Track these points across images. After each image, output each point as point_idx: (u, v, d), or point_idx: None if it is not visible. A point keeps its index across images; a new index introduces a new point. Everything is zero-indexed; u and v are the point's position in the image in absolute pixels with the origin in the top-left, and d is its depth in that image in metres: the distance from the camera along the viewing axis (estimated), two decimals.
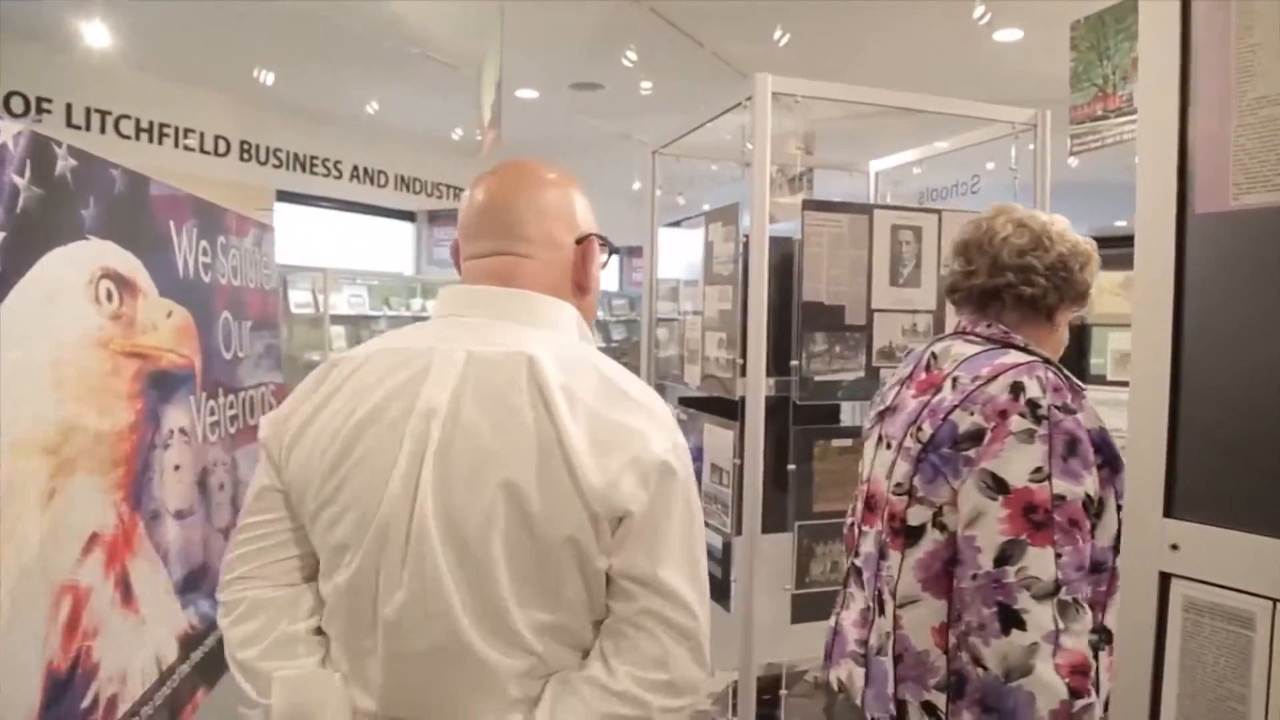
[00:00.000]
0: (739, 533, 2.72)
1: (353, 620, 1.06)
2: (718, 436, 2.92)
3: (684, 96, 5.57)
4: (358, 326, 7.62)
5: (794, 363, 2.75)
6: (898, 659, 1.41)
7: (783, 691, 2.88)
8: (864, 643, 1.51)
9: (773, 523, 2.72)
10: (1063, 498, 1.27)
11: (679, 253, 3.38)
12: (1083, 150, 3.88)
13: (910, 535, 1.41)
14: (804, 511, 2.78)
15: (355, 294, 7.77)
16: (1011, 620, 1.24)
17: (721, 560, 2.85)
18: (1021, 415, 1.31)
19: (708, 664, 1.05)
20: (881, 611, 1.46)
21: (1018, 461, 1.29)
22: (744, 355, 2.69)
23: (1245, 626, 0.86)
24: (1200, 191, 0.93)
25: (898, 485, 1.44)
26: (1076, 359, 4.49)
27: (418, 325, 1.16)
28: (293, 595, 1.13)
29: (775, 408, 2.75)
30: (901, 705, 1.40)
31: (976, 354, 1.46)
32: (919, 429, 1.43)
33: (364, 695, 1.05)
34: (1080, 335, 4.49)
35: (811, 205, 2.78)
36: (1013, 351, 1.44)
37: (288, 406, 1.14)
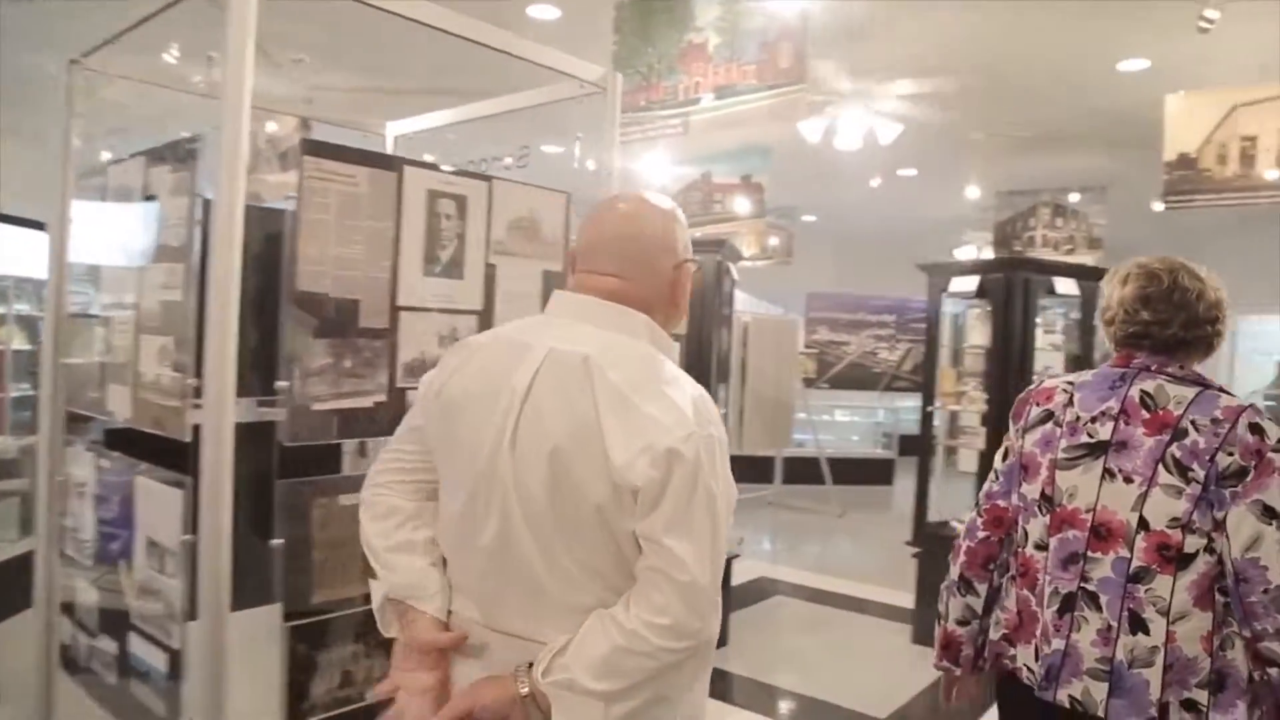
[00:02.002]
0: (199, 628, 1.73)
1: (461, 542, 1.38)
2: (156, 498, 1.89)
3: None
4: None
5: (281, 383, 1.84)
6: (1167, 668, 1.62)
7: None
8: (1108, 659, 1.66)
9: (251, 631, 1.77)
10: None
11: (106, 218, 2.25)
12: (634, 140, 3.52)
13: (1183, 561, 1.62)
14: (299, 604, 1.87)
15: None
16: None
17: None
18: (1275, 452, 1.60)
19: (707, 616, 1.25)
20: (1137, 629, 1.64)
21: (1277, 491, 1.58)
22: (200, 371, 1.71)
23: None
24: None
25: (1173, 519, 1.63)
26: None
27: (532, 319, 1.45)
28: (417, 509, 1.47)
29: (251, 449, 1.81)
30: (1164, 707, 1.61)
31: (1195, 396, 1.68)
32: (1188, 471, 1.63)
33: (468, 603, 1.39)
34: None
35: (315, 149, 1.88)
36: (1220, 394, 1.69)
37: (438, 369, 1.47)
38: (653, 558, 1.24)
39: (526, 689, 1.26)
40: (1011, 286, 4.64)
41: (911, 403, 10.64)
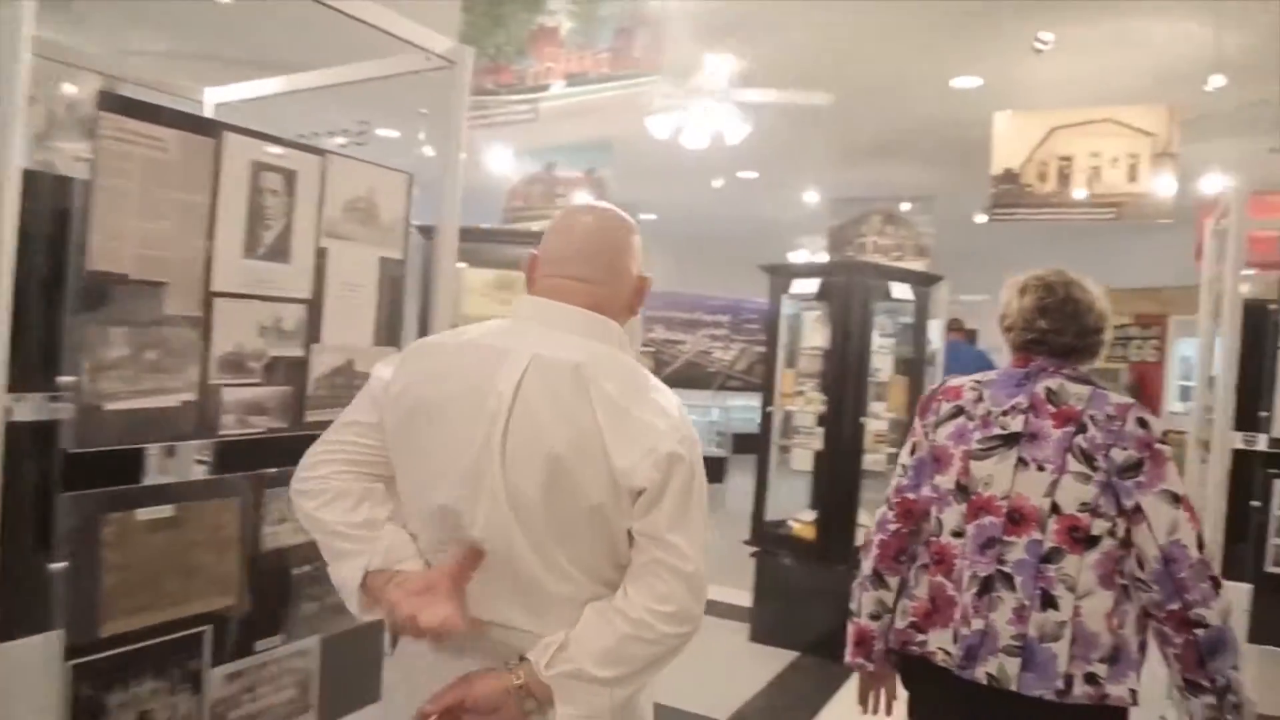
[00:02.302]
0: None
1: (442, 538, 1.37)
2: None
3: None
4: None
5: (67, 378, 1.57)
6: (1074, 642, 1.76)
7: None
8: (1022, 636, 1.78)
9: (26, 670, 1.51)
10: None
11: None
12: (480, 126, 3.33)
13: (1090, 542, 1.78)
14: (83, 637, 1.60)
15: None
16: (1217, 584, 1.73)
17: None
18: (1162, 444, 1.80)
19: (703, 602, 1.35)
20: (1047, 606, 1.78)
21: (1174, 477, 1.78)
22: None
23: None
24: None
25: (1083, 504, 1.79)
26: None
27: (499, 323, 1.44)
28: (366, 490, 1.43)
29: (29, 454, 1.54)
30: (1069, 679, 1.75)
31: (1091, 394, 1.85)
32: (1093, 460, 1.79)
33: None
34: None
35: (115, 104, 1.62)
36: (1109, 393, 1.86)
37: (395, 367, 1.44)
38: (655, 551, 1.32)
39: (520, 681, 1.29)
40: (851, 289, 4.73)
41: (743, 402, 10.87)
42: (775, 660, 4.49)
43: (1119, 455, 1.78)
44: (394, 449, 1.42)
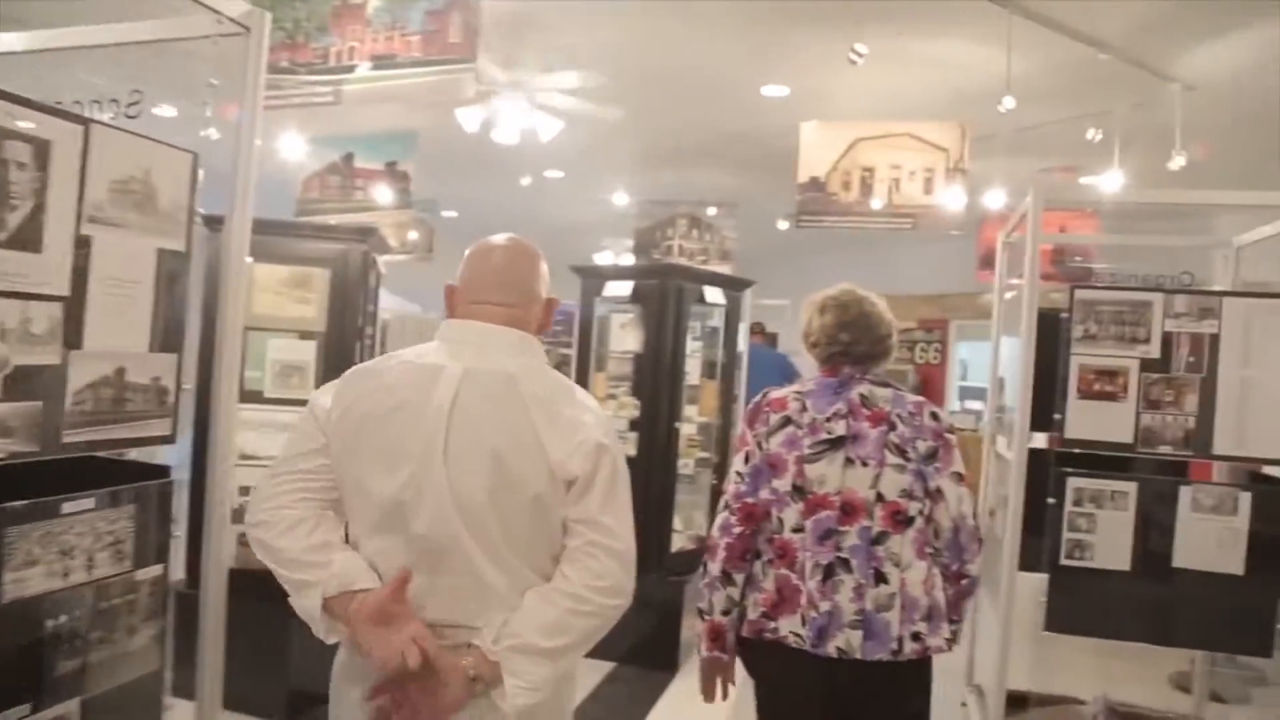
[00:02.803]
0: None
1: (387, 544, 1.50)
2: None
3: None
4: None
5: None
6: (901, 609, 2.07)
7: None
8: (862, 611, 2.06)
9: None
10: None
11: None
12: (276, 107, 2.99)
13: (908, 523, 2.12)
14: None
15: None
16: (980, 544, 2.20)
17: None
18: (950, 433, 2.21)
19: (633, 578, 1.53)
20: (879, 581, 2.08)
21: (959, 460, 2.19)
22: None
23: None
24: None
25: (902, 491, 2.12)
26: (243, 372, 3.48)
27: (428, 346, 1.61)
28: (319, 517, 1.54)
29: None
30: (900, 640, 2.06)
31: (893, 395, 2.21)
32: (905, 452, 2.15)
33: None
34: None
35: None
36: (904, 394, 2.25)
37: (335, 393, 1.59)
38: (590, 534, 1.49)
39: (470, 663, 1.42)
40: (666, 293, 4.68)
41: None
42: (592, 672, 4.36)
43: (922, 446, 2.15)
44: (341, 463, 1.54)
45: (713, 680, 2.23)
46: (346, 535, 1.57)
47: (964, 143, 5.28)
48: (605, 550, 1.49)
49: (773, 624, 2.11)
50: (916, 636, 2.08)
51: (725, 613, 2.16)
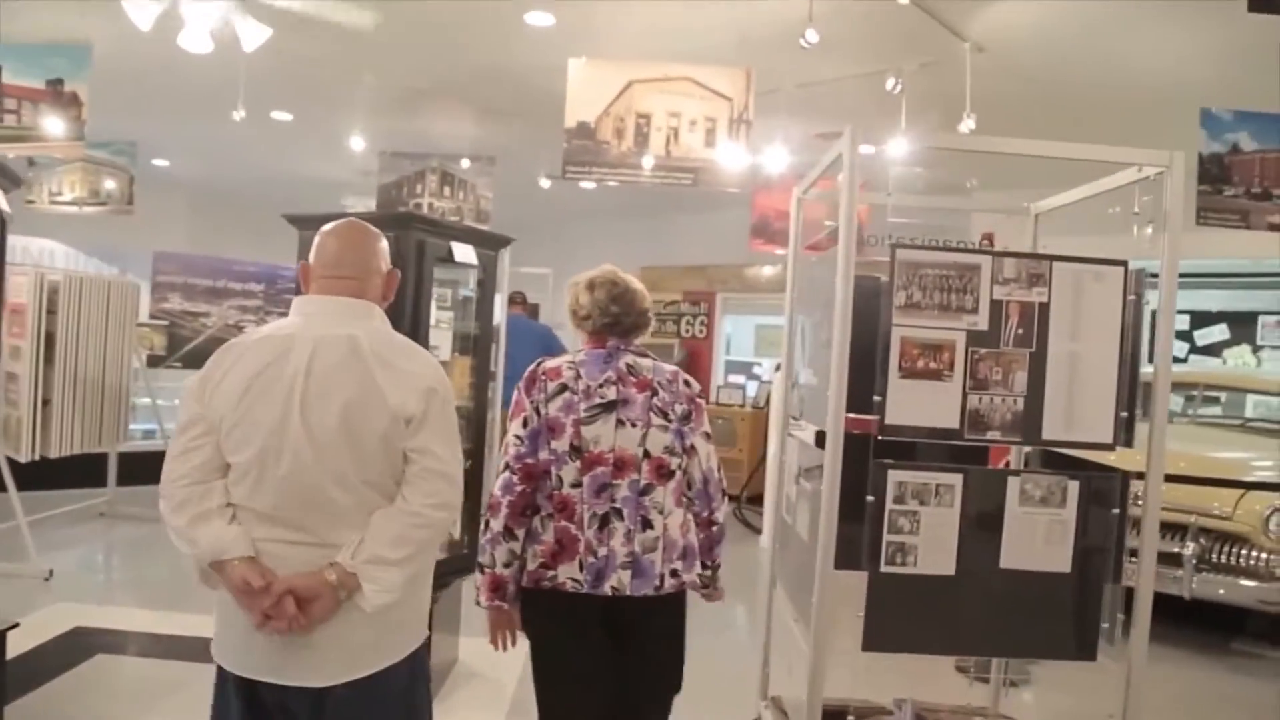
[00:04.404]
0: None
1: (258, 483, 1.86)
2: None
3: None
4: None
5: None
6: (664, 550, 2.38)
7: None
8: (632, 553, 2.36)
9: None
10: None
11: None
12: None
13: (669, 475, 2.43)
14: None
15: None
16: (725, 496, 2.57)
17: None
18: (700, 398, 2.57)
19: (460, 496, 1.97)
20: (646, 527, 2.38)
21: (707, 422, 2.54)
22: None
23: None
24: None
25: (666, 448, 2.43)
26: None
27: (285, 320, 1.99)
28: (206, 489, 1.88)
29: None
30: (661, 576, 2.37)
31: (652, 365, 2.51)
32: (667, 414, 2.45)
33: (273, 529, 1.87)
34: None
35: None
36: (661, 363, 2.55)
37: (211, 367, 1.93)
38: (424, 460, 1.89)
39: (334, 577, 1.81)
40: (404, 247, 3.78)
41: None
42: None
43: (679, 409, 2.48)
44: (219, 426, 1.88)
45: (497, 629, 2.48)
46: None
47: (749, 92, 4.76)
48: (437, 474, 1.89)
49: (551, 572, 2.36)
50: (674, 573, 2.41)
51: (506, 565, 2.39)
